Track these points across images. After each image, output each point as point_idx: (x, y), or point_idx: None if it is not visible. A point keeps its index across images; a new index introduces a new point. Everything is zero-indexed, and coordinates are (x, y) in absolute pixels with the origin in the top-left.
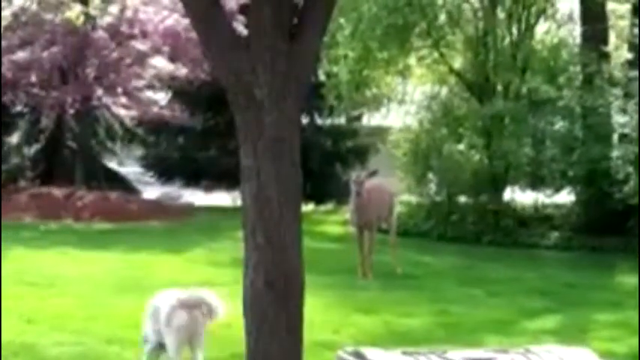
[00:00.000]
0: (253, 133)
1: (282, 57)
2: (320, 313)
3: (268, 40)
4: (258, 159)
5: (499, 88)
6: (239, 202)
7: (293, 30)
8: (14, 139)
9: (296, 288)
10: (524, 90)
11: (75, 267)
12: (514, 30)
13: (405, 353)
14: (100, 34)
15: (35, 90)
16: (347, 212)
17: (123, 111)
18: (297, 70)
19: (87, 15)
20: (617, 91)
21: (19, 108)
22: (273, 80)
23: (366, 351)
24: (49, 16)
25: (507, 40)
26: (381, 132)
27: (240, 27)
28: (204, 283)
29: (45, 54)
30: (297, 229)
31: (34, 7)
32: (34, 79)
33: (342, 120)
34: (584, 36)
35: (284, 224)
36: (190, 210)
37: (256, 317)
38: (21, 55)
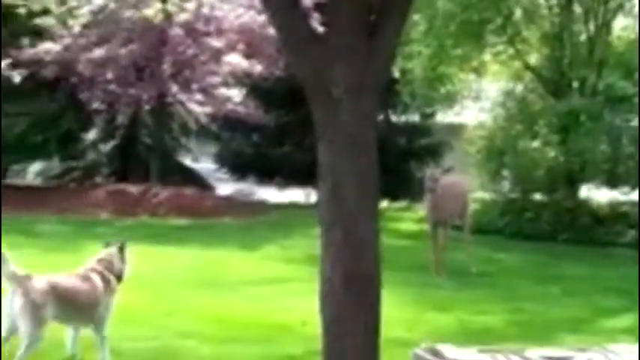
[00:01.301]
0: (330, 129)
1: (359, 54)
2: (394, 310)
3: (346, 37)
4: (335, 156)
5: (575, 84)
6: (312, 199)
7: (371, 27)
8: (91, 135)
9: (373, 285)
10: (600, 86)
11: (150, 263)
12: (591, 25)
13: (481, 351)
14: (177, 31)
15: (112, 87)
16: (422, 209)
17: (198, 107)
18: (375, 66)
19: (165, 12)
20: None
21: (95, 105)
22: (350, 77)
23: (443, 348)
24: (127, 14)
25: (584, 35)
26: (454, 129)
27: (315, 24)
28: (278, 280)
29: (122, 51)
30: (374, 226)
31: (113, 4)
32: (110, 76)
33: (416, 117)
34: None
35: (361, 221)
36: (264, 207)
37: (333, 314)
38: (98, 52)
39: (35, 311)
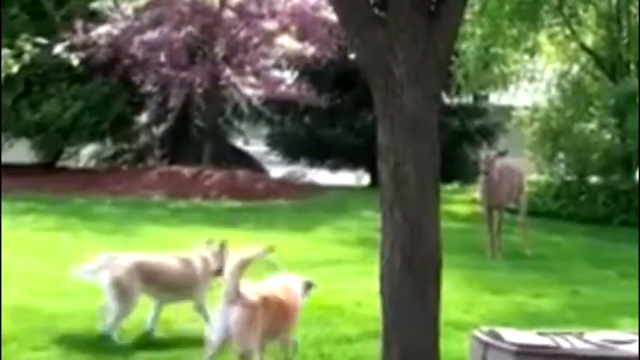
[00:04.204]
0: (391, 111)
1: (421, 35)
2: (449, 293)
3: (407, 17)
4: (396, 137)
5: (632, 66)
6: (364, 182)
7: (433, 7)
8: (143, 118)
9: (433, 267)
10: None
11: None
12: None
13: (541, 334)
14: (229, 14)
15: (164, 70)
16: (475, 192)
17: (250, 90)
18: (436, 47)
19: None
20: None
21: (148, 88)
22: (411, 58)
23: (502, 331)
24: None
25: None
26: (508, 111)
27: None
28: (331, 262)
29: (175, 34)
30: (434, 209)
31: None
32: (163, 59)
33: (469, 99)
34: None
35: (421, 203)
36: (316, 189)
37: (393, 295)
38: (151, 35)
39: (120, 288)
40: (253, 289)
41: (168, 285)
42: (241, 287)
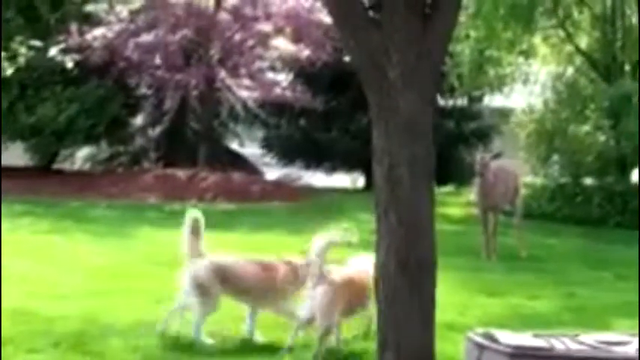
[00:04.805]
0: (386, 113)
1: (415, 37)
2: (445, 295)
3: (402, 19)
4: (390, 139)
5: (627, 67)
6: (359, 184)
7: (427, 9)
8: (139, 120)
9: (428, 269)
10: None
11: None
12: None
13: (536, 336)
14: (224, 16)
15: (159, 72)
16: (470, 194)
17: (245, 93)
18: (431, 50)
19: None
20: None
21: (143, 90)
22: (406, 60)
23: (497, 333)
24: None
25: (636, 18)
26: (503, 113)
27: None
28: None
29: (170, 37)
30: (429, 211)
31: None
32: (158, 61)
33: (464, 101)
34: None
35: (416, 205)
36: (311, 191)
37: (388, 298)
38: (146, 37)
39: (199, 287)
40: (341, 271)
41: (244, 289)
42: (325, 269)
